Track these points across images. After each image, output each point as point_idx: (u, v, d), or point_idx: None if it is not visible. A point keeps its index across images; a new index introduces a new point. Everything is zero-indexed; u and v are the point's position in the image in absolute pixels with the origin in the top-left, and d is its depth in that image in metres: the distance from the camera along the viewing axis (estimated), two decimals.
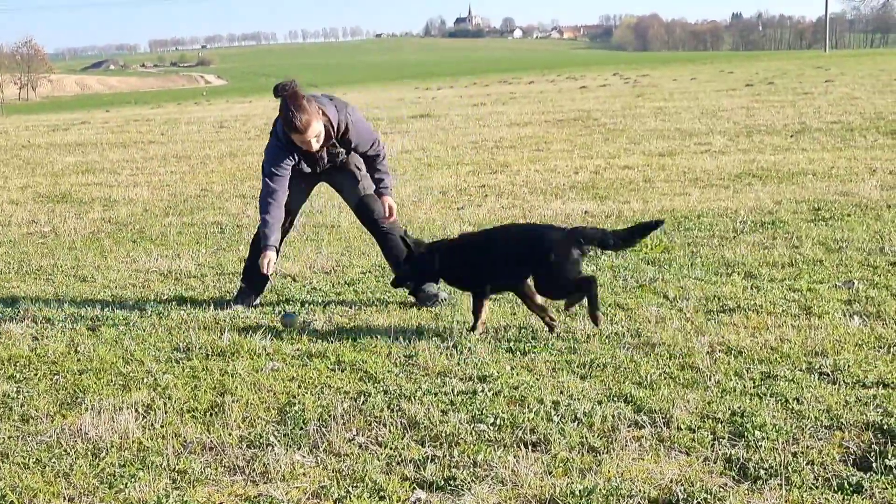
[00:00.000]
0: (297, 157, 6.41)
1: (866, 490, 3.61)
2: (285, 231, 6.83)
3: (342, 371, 5.26)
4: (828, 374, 4.84)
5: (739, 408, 4.42)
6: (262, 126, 24.80)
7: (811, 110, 20.48)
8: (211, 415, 4.68)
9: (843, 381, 4.74)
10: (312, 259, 8.32)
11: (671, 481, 3.75)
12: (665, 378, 4.89)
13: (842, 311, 5.93)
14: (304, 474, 3.99)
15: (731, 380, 4.81)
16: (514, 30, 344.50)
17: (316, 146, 6.27)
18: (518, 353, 5.43)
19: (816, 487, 3.66)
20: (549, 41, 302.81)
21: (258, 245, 6.56)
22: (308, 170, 6.57)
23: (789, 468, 3.80)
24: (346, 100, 6.60)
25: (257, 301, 6.92)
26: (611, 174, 12.90)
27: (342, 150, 6.56)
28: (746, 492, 3.66)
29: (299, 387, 5.02)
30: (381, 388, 4.92)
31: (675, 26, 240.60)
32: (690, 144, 15.83)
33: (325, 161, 6.57)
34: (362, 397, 4.80)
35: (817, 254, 7.46)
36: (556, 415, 4.44)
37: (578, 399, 4.63)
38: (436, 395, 4.79)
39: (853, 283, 6.51)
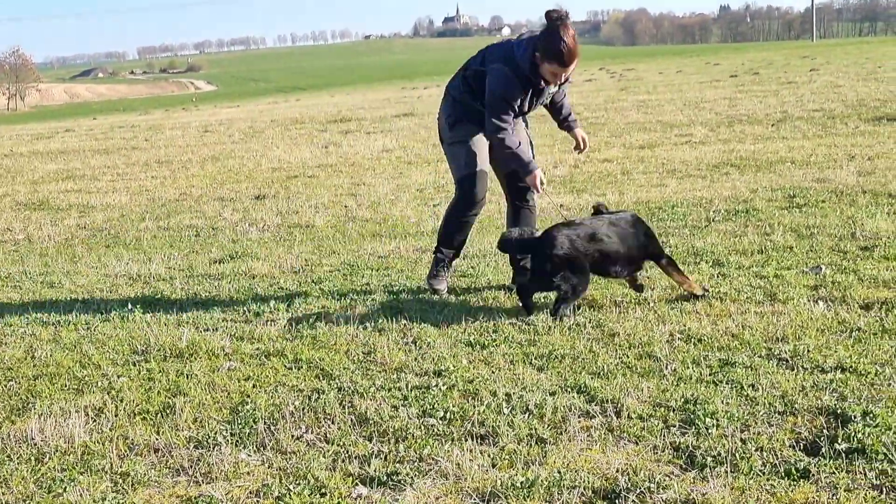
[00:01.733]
0: (527, 93, 6.22)
1: (813, 475, 3.55)
2: None
3: (298, 369, 5.20)
4: (786, 360, 4.78)
5: (693, 395, 4.36)
6: (246, 129, 24.75)
7: (794, 99, 20.46)
8: (161, 416, 4.61)
9: (802, 366, 4.68)
10: (282, 259, 8.25)
11: (617, 471, 3.69)
12: (622, 367, 4.83)
13: (807, 296, 5.88)
14: (247, 473, 3.92)
15: (689, 368, 4.75)
16: (503, 27, 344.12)
17: (554, 82, 6.19)
18: (478, 346, 5.36)
19: (763, 474, 3.60)
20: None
21: (464, 216, 6.57)
22: (526, 109, 6.38)
23: (737, 455, 3.74)
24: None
25: (452, 269, 6.87)
26: (590, 167, 12.85)
27: (556, 89, 6.46)
28: (692, 480, 3.60)
29: (254, 386, 4.95)
30: (336, 385, 4.86)
31: (663, 20, 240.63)
32: (671, 136, 15.79)
33: (543, 98, 6.41)
34: (315, 395, 4.74)
35: (788, 240, 7.40)
36: (507, 407, 4.38)
37: (532, 391, 4.57)
38: (389, 390, 4.73)
39: (821, 269, 6.46)
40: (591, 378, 4.70)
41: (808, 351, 4.87)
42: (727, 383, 4.51)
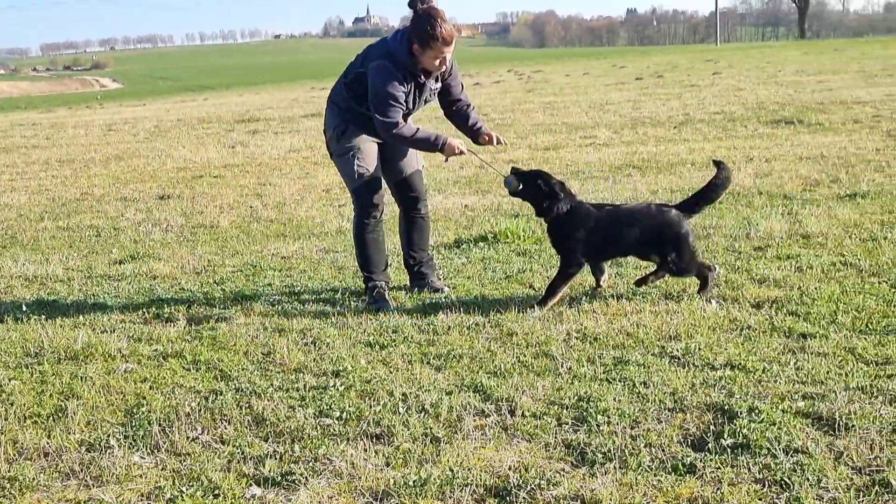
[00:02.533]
0: (409, 88, 5.96)
1: (699, 470, 3.64)
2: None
3: (197, 370, 5.15)
4: (678, 358, 4.89)
5: (586, 393, 4.44)
6: (151, 129, 24.38)
7: (696, 102, 20.83)
8: (53, 419, 4.53)
9: (693, 363, 4.79)
10: (185, 259, 8.17)
11: (509, 468, 3.74)
12: (518, 366, 4.89)
13: (700, 295, 6.00)
14: (140, 476, 3.88)
15: (584, 366, 4.83)
16: None
17: (447, 64, 5.96)
18: (377, 346, 5.38)
19: (651, 469, 3.68)
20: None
21: (366, 230, 6.34)
22: (410, 107, 6.08)
23: (626, 451, 3.82)
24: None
25: (391, 284, 6.62)
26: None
27: (439, 85, 6.16)
28: (583, 476, 3.67)
29: (150, 388, 4.90)
30: (234, 386, 4.84)
31: (571, 22, 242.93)
32: (576, 138, 15.96)
33: (425, 96, 6.13)
34: (213, 396, 4.71)
35: None
36: (403, 406, 4.41)
37: (428, 390, 4.60)
38: (287, 391, 4.72)
39: (715, 269, 6.59)
40: (488, 377, 4.75)
41: (700, 349, 4.99)
42: (620, 381, 4.60)
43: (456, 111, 6.39)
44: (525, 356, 5.04)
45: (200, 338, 5.75)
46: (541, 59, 72.97)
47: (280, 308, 6.33)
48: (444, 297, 6.27)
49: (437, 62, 5.85)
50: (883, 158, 11.19)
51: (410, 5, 5.83)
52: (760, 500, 3.43)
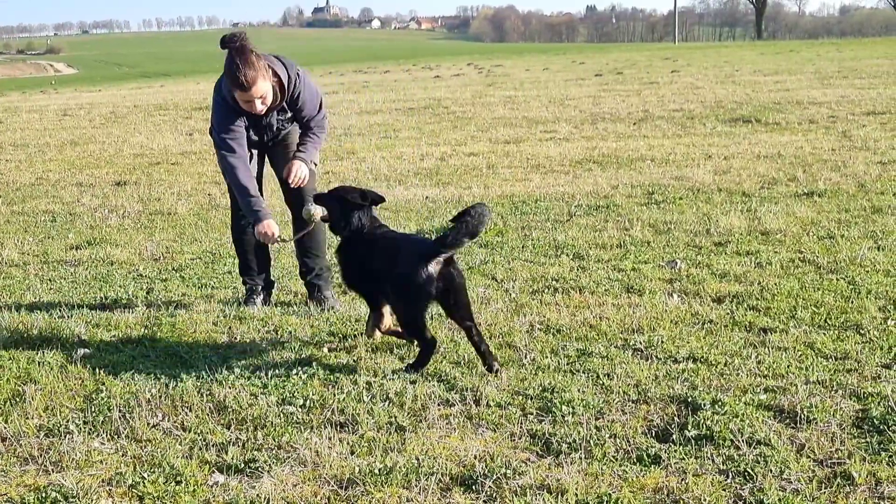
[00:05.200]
0: (244, 121, 5.64)
1: (664, 461, 3.67)
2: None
3: (156, 357, 5.10)
4: (641, 350, 4.91)
5: (550, 384, 4.44)
6: (107, 114, 24.13)
7: (655, 99, 20.94)
8: (10, 404, 4.46)
9: (656, 356, 4.82)
10: (143, 246, 8.09)
11: (474, 457, 3.74)
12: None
13: (663, 289, 6.04)
14: (100, 461, 3.83)
15: (547, 357, 4.84)
16: (373, 20, 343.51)
17: (261, 108, 5.50)
18: (339, 336, 5.35)
19: (616, 460, 3.70)
20: (407, 32, 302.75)
21: (240, 231, 6.09)
22: (255, 138, 5.83)
23: (592, 442, 3.83)
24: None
25: (270, 289, 6.35)
26: (456, 161, 12.92)
27: (291, 114, 5.82)
28: (548, 466, 3.67)
29: (109, 374, 4.83)
30: (194, 373, 4.78)
31: (531, 18, 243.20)
32: (536, 132, 15.98)
33: (275, 128, 5.87)
34: (173, 382, 4.65)
35: (646, 235, 7.60)
36: (367, 395, 4.39)
37: (392, 379, 4.59)
38: (249, 378, 4.68)
39: (676, 263, 6.64)
40: (452, 367, 4.75)
41: (662, 342, 5.01)
42: (584, 372, 4.61)
43: (303, 129, 5.97)
44: (489, 347, 5.03)
45: (160, 324, 5.69)
46: (501, 54, 73.06)
47: (241, 296, 6.27)
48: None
49: (247, 105, 5.49)
50: (839, 158, 11.31)
51: (222, 45, 5.41)
52: (724, 490, 3.45)
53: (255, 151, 5.98)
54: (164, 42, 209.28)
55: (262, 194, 5.89)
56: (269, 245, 5.84)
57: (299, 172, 5.82)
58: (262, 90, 5.40)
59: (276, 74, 5.54)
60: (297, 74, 5.68)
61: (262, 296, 6.25)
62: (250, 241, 6.09)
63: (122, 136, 18.45)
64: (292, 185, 5.85)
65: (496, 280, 6.43)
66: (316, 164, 5.98)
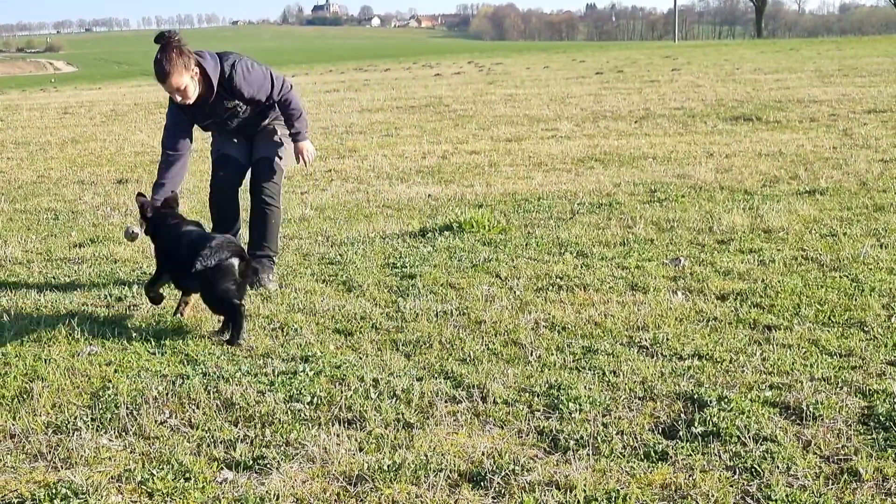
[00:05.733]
0: (190, 113, 6.38)
1: (671, 457, 3.68)
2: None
3: (162, 354, 5.12)
4: (646, 348, 4.93)
5: (557, 381, 4.46)
6: (108, 112, 24.14)
7: (656, 97, 20.94)
8: (18, 401, 4.48)
9: (661, 353, 4.83)
10: (146, 244, 8.08)
11: (482, 454, 3.75)
12: (488, 354, 4.91)
13: (667, 287, 6.06)
14: (109, 458, 3.85)
15: (553, 354, 4.86)
16: (373, 18, 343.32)
17: (183, 99, 6.15)
18: (345, 333, 5.37)
19: (624, 456, 3.72)
20: (407, 30, 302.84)
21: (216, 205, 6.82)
22: (211, 121, 6.57)
23: (599, 438, 3.85)
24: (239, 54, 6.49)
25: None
26: (458, 159, 12.93)
27: (238, 101, 6.43)
28: (556, 462, 3.69)
29: (116, 371, 4.85)
30: (201, 371, 4.81)
31: (531, 16, 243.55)
32: (538, 130, 15.99)
33: (224, 114, 6.49)
34: (180, 380, 4.68)
35: (649, 233, 7.61)
36: (374, 392, 4.41)
37: (399, 376, 4.61)
38: (255, 375, 4.70)
39: (680, 261, 6.66)
40: (458, 364, 4.76)
41: (667, 339, 5.03)
42: (590, 369, 4.63)
43: (281, 111, 6.69)
44: (494, 344, 5.06)
45: (165, 322, 5.71)
46: (501, 52, 73.04)
47: (246, 294, 6.28)
48: (413, 286, 6.27)
49: (174, 95, 6.14)
50: (840, 156, 11.33)
51: (155, 41, 6.09)
52: (732, 486, 3.47)
53: (237, 139, 6.80)
54: None
55: (242, 177, 6.86)
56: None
57: (308, 153, 6.75)
58: (177, 83, 6.03)
59: (202, 69, 6.14)
60: (233, 66, 6.28)
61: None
62: (217, 205, 6.89)
63: (123, 133, 18.45)
64: (307, 166, 7.00)
65: (500, 278, 6.45)
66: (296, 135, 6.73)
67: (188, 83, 6.09)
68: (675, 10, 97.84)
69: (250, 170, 6.78)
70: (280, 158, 6.74)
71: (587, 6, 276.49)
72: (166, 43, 5.99)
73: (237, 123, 6.62)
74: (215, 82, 6.22)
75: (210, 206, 6.93)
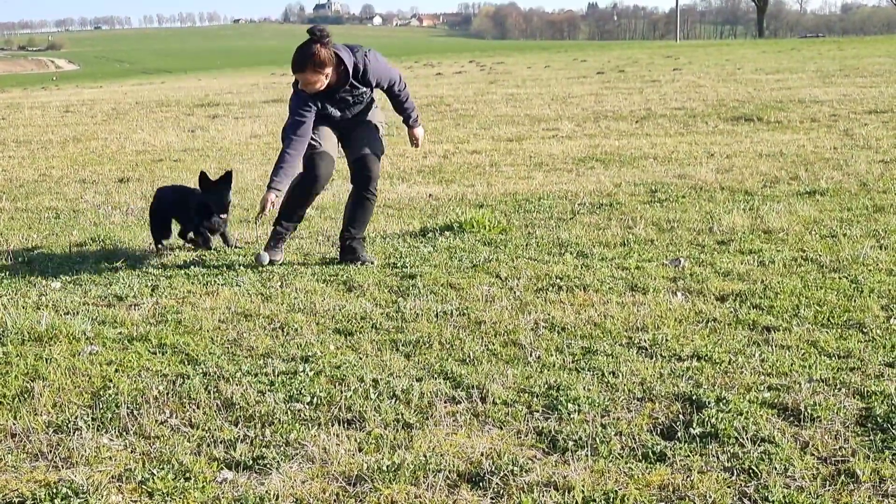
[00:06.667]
0: (319, 104, 6.78)
1: (669, 458, 3.69)
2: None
3: (163, 354, 5.13)
4: (646, 349, 4.94)
5: (556, 382, 4.47)
6: (109, 111, 24.16)
7: (657, 97, 20.96)
8: (19, 401, 4.49)
9: (660, 354, 4.85)
10: (147, 242, 8.11)
11: (481, 455, 3.76)
12: (487, 354, 4.92)
13: (666, 288, 6.07)
14: (109, 458, 3.86)
15: (552, 355, 4.87)
16: (374, 17, 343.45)
17: (316, 88, 6.62)
18: (345, 333, 5.38)
19: (622, 457, 3.73)
20: (409, 28, 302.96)
21: (306, 185, 7.07)
22: (338, 114, 6.95)
23: (597, 439, 3.86)
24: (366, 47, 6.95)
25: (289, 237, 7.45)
26: (459, 158, 12.95)
27: (365, 89, 6.92)
28: (554, 463, 3.70)
29: (116, 371, 4.86)
30: (201, 370, 4.81)
31: (532, 15, 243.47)
32: (539, 130, 16.02)
33: (351, 102, 6.94)
34: (180, 380, 4.69)
35: (649, 233, 7.63)
36: (374, 392, 4.42)
37: (399, 376, 4.62)
38: (256, 375, 4.71)
39: (680, 262, 6.67)
40: (458, 365, 4.78)
41: (667, 340, 5.04)
42: (589, 370, 4.64)
43: (395, 108, 7.37)
44: (494, 344, 5.07)
45: (165, 321, 5.72)
46: (502, 51, 73.05)
47: (246, 293, 6.31)
48: (413, 286, 6.29)
49: (306, 85, 6.66)
50: (840, 157, 11.34)
51: (309, 33, 6.62)
52: (729, 487, 3.48)
53: (335, 132, 7.14)
54: (165, 38, 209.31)
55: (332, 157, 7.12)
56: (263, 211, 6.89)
57: (422, 138, 7.70)
58: (315, 77, 6.55)
59: (339, 59, 6.63)
60: (365, 55, 6.80)
61: (284, 243, 7.34)
62: (309, 200, 7.32)
63: (125, 132, 18.47)
64: (420, 148, 8.00)
65: (500, 278, 6.46)
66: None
67: (322, 77, 6.58)
68: (677, 10, 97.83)
69: (356, 162, 7.12)
70: (383, 153, 7.32)
71: (589, 5, 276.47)
72: (316, 39, 6.51)
73: (355, 112, 7.03)
74: (351, 71, 6.71)
75: (301, 197, 7.19)
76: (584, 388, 4.40)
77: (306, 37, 6.55)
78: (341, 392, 4.43)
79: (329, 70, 6.57)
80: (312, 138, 6.88)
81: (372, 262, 7.03)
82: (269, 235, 7.33)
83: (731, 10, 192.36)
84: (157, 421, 4.21)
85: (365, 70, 6.79)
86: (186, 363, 4.98)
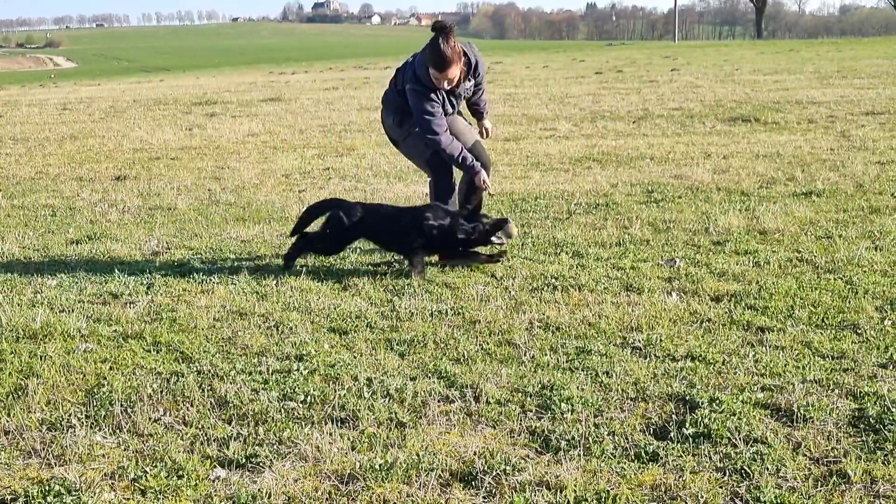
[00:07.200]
0: (441, 97, 6.92)
1: (661, 458, 3.70)
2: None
3: (157, 352, 5.13)
4: (640, 349, 4.95)
5: (550, 381, 4.48)
6: (107, 109, 24.14)
7: (655, 97, 20.95)
8: (13, 398, 4.49)
9: (654, 354, 4.85)
10: (143, 241, 8.11)
11: (474, 454, 3.77)
12: (482, 354, 4.93)
13: (661, 288, 6.08)
14: (102, 455, 3.87)
15: (546, 355, 4.88)
16: (373, 16, 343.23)
17: (455, 83, 6.87)
18: (340, 332, 5.39)
19: (615, 457, 3.74)
20: (408, 28, 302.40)
21: (450, 191, 7.22)
22: (450, 110, 7.13)
23: (590, 439, 3.87)
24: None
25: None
26: None
27: (473, 82, 7.19)
28: (547, 462, 3.71)
29: (111, 368, 4.87)
30: (195, 369, 4.82)
31: (531, 15, 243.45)
32: (536, 130, 16.02)
33: (462, 96, 7.20)
34: (174, 378, 4.69)
35: (645, 234, 7.63)
36: (368, 391, 4.43)
37: (393, 375, 4.63)
38: (250, 374, 4.72)
39: (675, 262, 6.67)
40: (452, 364, 4.78)
41: (661, 340, 5.05)
42: (583, 370, 4.64)
43: (472, 102, 7.57)
44: (488, 344, 5.08)
45: (160, 320, 5.72)
46: (501, 51, 73.02)
47: (241, 292, 6.31)
48: (409, 285, 6.30)
49: (444, 81, 6.77)
50: (837, 158, 11.34)
51: (433, 29, 6.76)
52: (721, 488, 3.49)
53: (456, 118, 7.34)
54: (164, 36, 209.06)
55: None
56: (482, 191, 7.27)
57: (491, 128, 8.01)
58: (453, 73, 6.76)
59: (465, 55, 6.87)
60: (473, 49, 7.06)
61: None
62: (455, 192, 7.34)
63: (122, 130, 18.46)
64: (489, 137, 8.02)
65: (496, 278, 6.46)
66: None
67: (458, 73, 6.83)
68: (676, 10, 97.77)
69: (470, 151, 7.21)
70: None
71: (588, 5, 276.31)
72: (449, 33, 6.68)
73: (460, 106, 7.33)
74: (472, 67, 7.03)
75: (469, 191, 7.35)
76: (577, 387, 4.41)
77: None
78: (335, 391, 4.44)
79: (462, 63, 6.81)
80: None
81: (504, 244, 7.15)
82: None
83: (730, 11, 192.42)
84: (150, 419, 4.22)
85: (477, 64, 7.06)
86: (181, 361, 4.98)
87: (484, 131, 7.81)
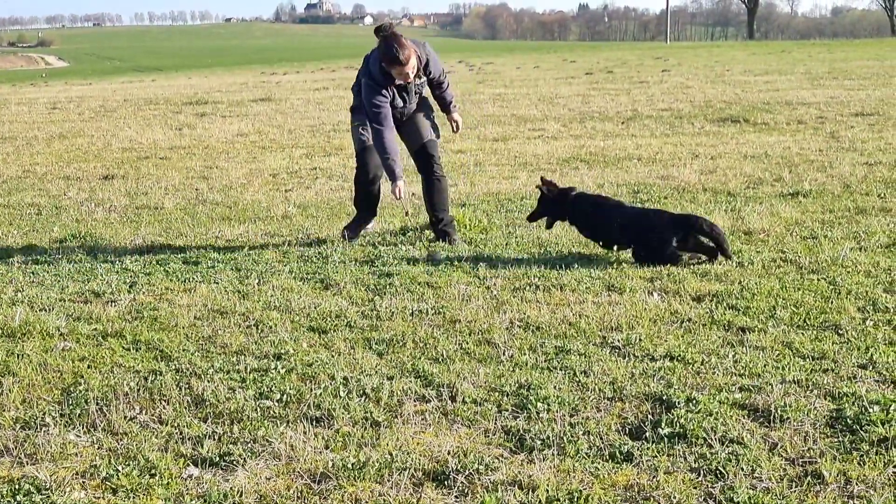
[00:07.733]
0: (391, 93, 7.28)
1: (636, 458, 3.68)
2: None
3: (137, 350, 5.12)
4: (619, 348, 4.93)
5: (527, 381, 4.47)
6: (97, 108, 24.10)
7: (644, 98, 20.97)
8: None
9: (633, 354, 4.84)
10: (128, 240, 8.09)
11: (448, 453, 3.75)
12: (461, 353, 4.91)
13: (643, 288, 6.06)
14: (75, 454, 3.84)
15: (525, 354, 4.87)
16: (365, 17, 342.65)
17: (411, 77, 7.21)
18: (319, 331, 5.37)
19: (589, 457, 3.72)
20: (400, 28, 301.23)
21: (369, 185, 7.85)
22: (401, 104, 7.42)
23: (565, 438, 3.85)
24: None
25: (371, 226, 8.08)
26: (444, 158, 12.80)
27: (424, 79, 7.49)
28: (521, 462, 3.69)
29: (89, 367, 4.85)
30: (174, 367, 4.80)
31: (523, 16, 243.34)
32: (525, 130, 16.02)
33: (414, 92, 7.48)
34: (152, 376, 4.67)
35: None
36: (344, 390, 4.41)
37: (370, 375, 4.61)
38: (228, 372, 4.70)
39: None
40: (430, 363, 4.77)
41: (640, 340, 5.04)
42: (561, 370, 4.63)
43: (438, 97, 7.84)
44: (468, 343, 5.06)
45: (141, 318, 5.70)
46: (492, 52, 73.06)
47: (223, 290, 6.29)
48: (391, 284, 6.29)
49: (402, 76, 7.15)
50: (825, 159, 11.35)
51: (376, 32, 7.16)
52: (695, 488, 3.47)
53: (419, 116, 7.71)
54: (156, 36, 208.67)
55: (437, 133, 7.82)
56: (399, 200, 7.50)
57: (460, 123, 8.11)
58: (413, 64, 7.13)
59: (416, 50, 7.17)
60: (425, 47, 7.39)
61: (364, 227, 7.97)
62: (371, 193, 7.93)
63: (111, 130, 18.43)
64: (458, 132, 8.24)
65: (479, 277, 6.45)
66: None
67: (416, 63, 7.19)
68: (668, 11, 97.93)
69: (417, 151, 7.73)
70: (439, 137, 7.81)
71: (580, 6, 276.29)
72: (393, 33, 7.13)
73: (415, 102, 7.59)
74: (422, 62, 7.31)
75: (366, 196, 7.94)
76: (554, 387, 4.39)
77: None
78: (311, 390, 4.43)
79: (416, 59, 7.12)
80: (361, 134, 7.61)
81: (457, 244, 7.50)
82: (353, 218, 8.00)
83: (722, 12, 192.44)
84: (126, 417, 4.20)
85: (429, 62, 7.36)
86: (159, 360, 4.96)
87: (453, 124, 8.03)
